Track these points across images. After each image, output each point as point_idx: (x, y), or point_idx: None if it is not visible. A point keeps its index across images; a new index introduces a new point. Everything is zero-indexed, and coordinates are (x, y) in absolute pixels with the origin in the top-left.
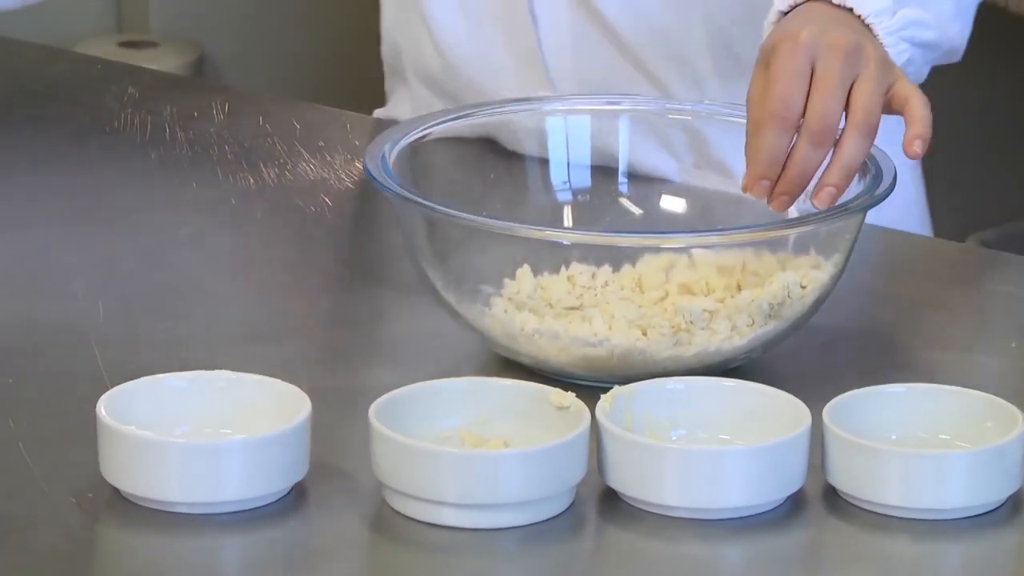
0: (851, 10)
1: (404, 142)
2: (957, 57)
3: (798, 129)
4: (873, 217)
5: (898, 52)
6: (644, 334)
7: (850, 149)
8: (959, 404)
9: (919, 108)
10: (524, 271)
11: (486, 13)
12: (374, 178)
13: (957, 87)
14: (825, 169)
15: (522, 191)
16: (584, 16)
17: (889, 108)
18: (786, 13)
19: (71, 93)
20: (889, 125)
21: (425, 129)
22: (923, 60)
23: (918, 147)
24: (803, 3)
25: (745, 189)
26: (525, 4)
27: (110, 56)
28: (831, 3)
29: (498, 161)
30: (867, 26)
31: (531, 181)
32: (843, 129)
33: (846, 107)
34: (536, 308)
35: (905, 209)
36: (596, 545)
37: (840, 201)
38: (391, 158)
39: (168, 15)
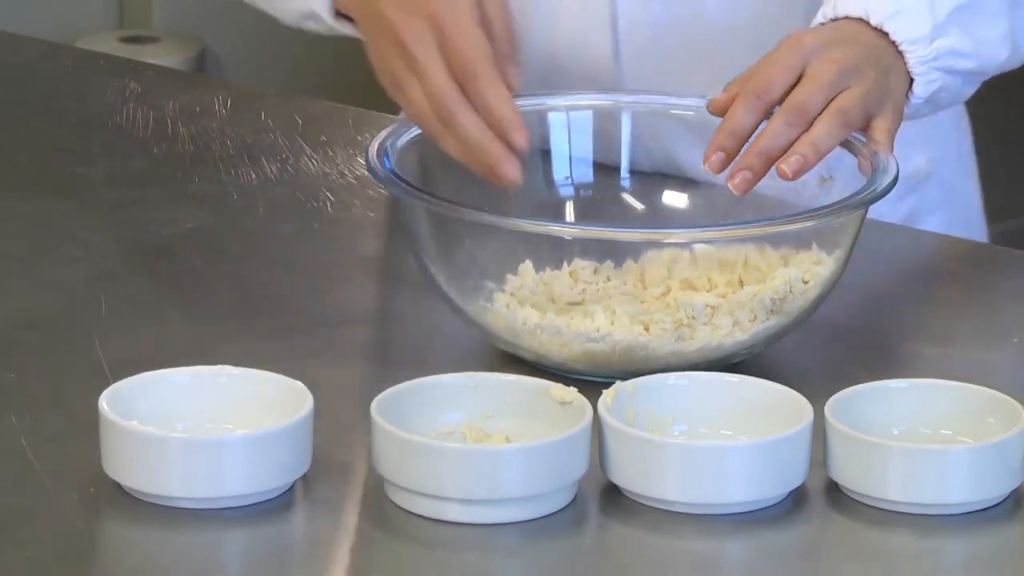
0: (887, 34)
1: (407, 137)
2: (1012, 67)
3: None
4: (934, 225)
5: (928, 81)
6: (646, 329)
7: (822, 129)
8: (961, 399)
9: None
10: (526, 266)
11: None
12: (376, 173)
13: None
14: (794, 142)
15: (524, 186)
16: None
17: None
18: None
19: (73, 89)
20: (943, 118)
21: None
22: (962, 84)
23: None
24: (843, 19)
25: (704, 162)
26: None
27: (112, 51)
28: (869, 24)
29: None
30: (900, 52)
31: (533, 176)
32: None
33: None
34: (538, 303)
35: (965, 222)
36: (598, 540)
37: (842, 197)
38: (394, 153)
39: (170, 10)
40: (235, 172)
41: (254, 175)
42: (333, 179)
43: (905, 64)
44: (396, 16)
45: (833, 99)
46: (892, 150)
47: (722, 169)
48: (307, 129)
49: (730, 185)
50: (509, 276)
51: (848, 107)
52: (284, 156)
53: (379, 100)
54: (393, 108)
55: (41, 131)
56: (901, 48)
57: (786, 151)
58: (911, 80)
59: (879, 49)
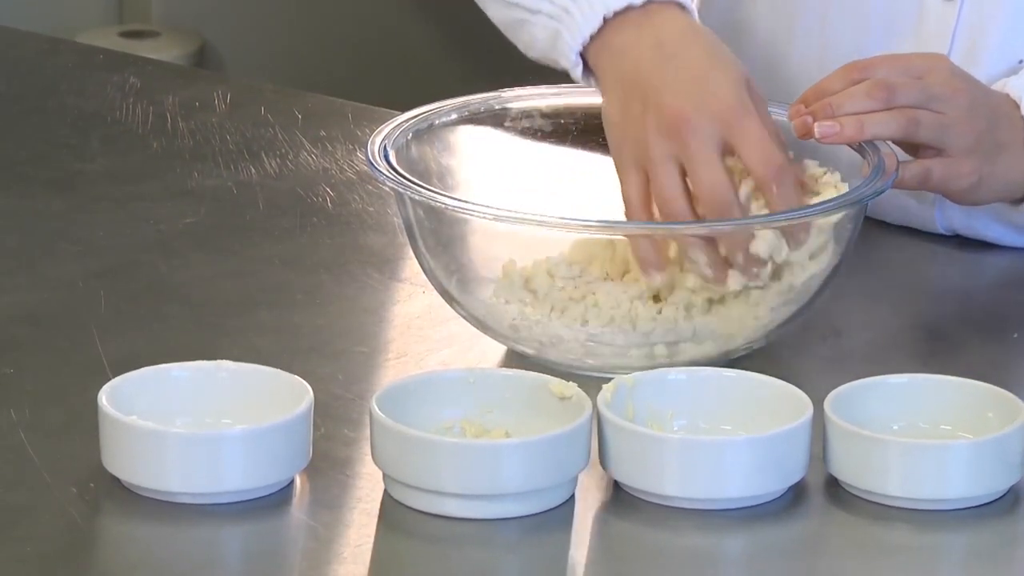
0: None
1: (405, 132)
2: None
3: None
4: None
5: None
6: (647, 322)
7: (881, 117)
8: (961, 394)
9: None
10: (526, 260)
11: None
12: (375, 168)
13: None
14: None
15: (523, 179)
16: None
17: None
18: None
19: (73, 84)
20: None
21: (426, 118)
22: None
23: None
24: (1003, 93)
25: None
26: None
27: (112, 46)
28: (1019, 109)
29: (498, 150)
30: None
31: (532, 169)
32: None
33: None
34: (537, 299)
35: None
36: (597, 536)
37: (841, 195)
38: (392, 148)
39: (169, 5)
40: (234, 167)
41: (253, 170)
42: (333, 174)
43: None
44: (681, 105)
45: (921, 107)
46: (925, 186)
47: (796, 116)
48: (306, 124)
49: (793, 122)
50: (507, 270)
51: (923, 120)
52: (283, 151)
53: (378, 95)
54: (392, 103)
55: (40, 126)
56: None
57: (850, 115)
58: None
59: (1009, 129)
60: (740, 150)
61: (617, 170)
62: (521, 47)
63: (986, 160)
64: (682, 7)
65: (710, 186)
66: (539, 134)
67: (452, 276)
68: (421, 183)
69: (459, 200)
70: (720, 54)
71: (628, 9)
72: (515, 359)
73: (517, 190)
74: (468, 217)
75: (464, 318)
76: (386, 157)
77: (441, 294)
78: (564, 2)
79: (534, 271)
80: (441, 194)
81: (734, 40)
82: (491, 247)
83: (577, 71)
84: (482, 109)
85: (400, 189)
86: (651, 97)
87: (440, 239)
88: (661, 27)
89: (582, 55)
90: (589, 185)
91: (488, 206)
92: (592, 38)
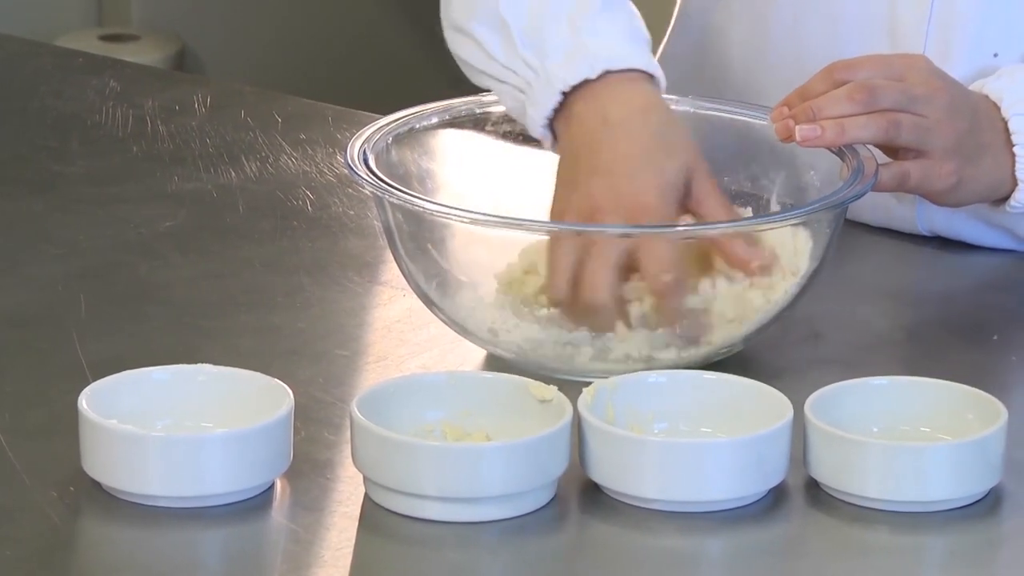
0: (1008, 127)
1: (386, 135)
2: None
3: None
4: None
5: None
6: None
7: (862, 120)
8: (941, 397)
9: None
10: (506, 264)
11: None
12: (354, 172)
13: None
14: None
15: (504, 184)
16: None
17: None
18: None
19: (53, 87)
20: None
21: (407, 122)
22: None
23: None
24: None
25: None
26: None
27: (91, 49)
28: (998, 109)
29: (479, 154)
30: (1013, 152)
31: (513, 174)
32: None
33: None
34: (517, 302)
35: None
36: (578, 538)
37: (820, 197)
38: (372, 152)
39: (149, 8)
40: (214, 170)
41: (233, 173)
42: (312, 177)
43: (1013, 164)
44: (600, 196)
45: (902, 110)
46: (901, 189)
47: (779, 119)
48: (286, 127)
49: (775, 125)
50: (490, 274)
51: (904, 123)
52: (263, 154)
53: (358, 98)
54: (372, 106)
55: (20, 129)
56: (1016, 149)
57: (831, 112)
58: (1013, 185)
59: (990, 130)
60: (640, 258)
61: (550, 238)
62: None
63: (967, 161)
64: (646, 75)
65: (593, 285)
66: (520, 138)
67: (432, 280)
68: (399, 187)
69: (438, 204)
70: (666, 134)
71: (585, 83)
72: (495, 363)
73: (497, 194)
74: (447, 221)
75: (444, 322)
76: (365, 161)
77: (421, 298)
78: (527, 75)
79: (516, 276)
80: (420, 198)
81: (711, 44)
82: (471, 251)
83: (547, 143)
84: (463, 113)
85: (379, 193)
86: (583, 177)
87: (419, 243)
88: (613, 101)
89: (551, 125)
90: None
91: (467, 210)
92: (555, 111)
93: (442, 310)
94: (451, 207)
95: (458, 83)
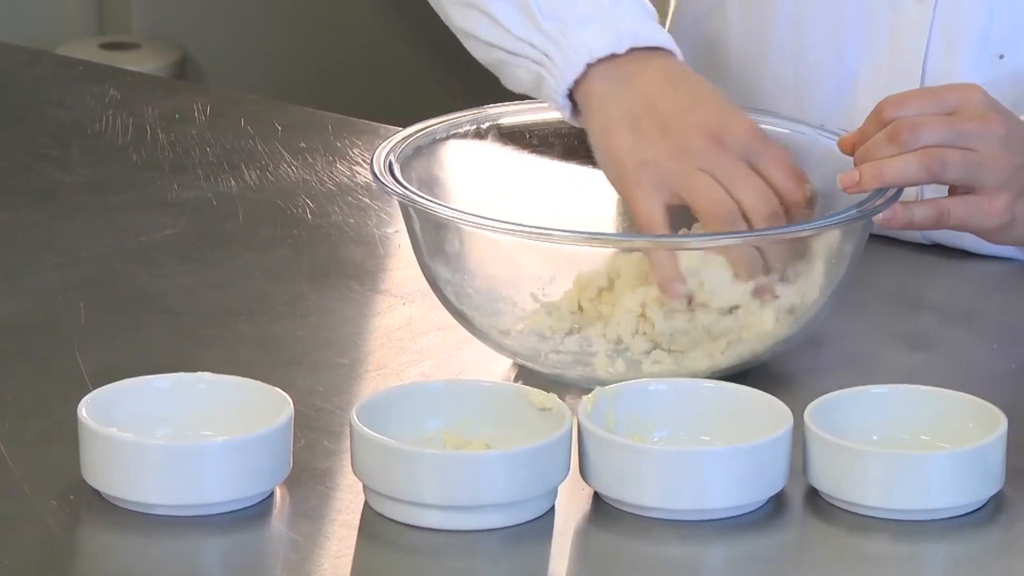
0: None
1: (410, 147)
2: None
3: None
4: None
5: None
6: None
7: (901, 162)
8: (941, 405)
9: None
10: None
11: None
12: (380, 180)
13: None
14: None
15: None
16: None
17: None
18: None
19: (53, 95)
20: None
21: (430, 132)
22: None
23: (889, 216)
24: None
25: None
26: None
27: (92, 58)
28: None
29: (504, 164)
30: None
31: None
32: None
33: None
34: (554, 321)
35: None
36: (578, 547)
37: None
38: (397, 161)
39: (150, 17)
40: (214, 179)
41: (233, 182)
42: (313, 185)
43: None
44: (708, 124)
45: (950, 145)
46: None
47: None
48: (287, 136)
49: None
50: (529, 290)
51: (949, 160)
52: (263, 163)
53: (359, 107)
54: (372, 115)
55: (20, 137)
56: None
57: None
58: None
59: None
60: (766, 172)
61: (631, 198)
62: (506, 84)
63: (1022, 196)
64: (667, 52)
65: (756, 197)
66: (554, 150)
67: (463, 295)
68: (427, 196)
69: (462, 213)
70: (718, 89)
71: (612, 56)
72: (497, 369)
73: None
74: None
75: (479, 338)
76: (391, 170)
77: (455, 313)
78: (546, 47)
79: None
80: (445, 208)
81: (708, 52)
82: (502, 262)
83: (567, 112)
84: (486, 124)
85: (404, 202)
86: (672, 119)
87: (447, 252)
88: (659, 66)
89: (570, 95)
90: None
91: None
92: (576, 82)
93: (479, 329)
94: (474, 216)
95: (458, 92)
